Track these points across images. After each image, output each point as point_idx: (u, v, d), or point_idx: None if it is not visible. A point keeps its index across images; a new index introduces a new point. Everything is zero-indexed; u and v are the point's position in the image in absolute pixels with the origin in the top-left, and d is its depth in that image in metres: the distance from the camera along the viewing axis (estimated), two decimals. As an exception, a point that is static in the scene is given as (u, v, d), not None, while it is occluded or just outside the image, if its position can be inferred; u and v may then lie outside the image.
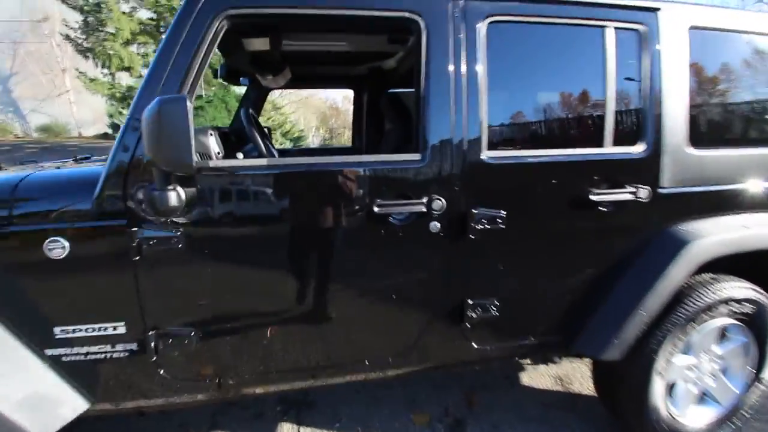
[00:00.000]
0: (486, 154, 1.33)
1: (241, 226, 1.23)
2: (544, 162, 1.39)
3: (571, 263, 1.50)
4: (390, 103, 2.28)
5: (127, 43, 15.97)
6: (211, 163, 1.18)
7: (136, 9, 15.89)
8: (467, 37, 1.29)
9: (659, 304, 1.48)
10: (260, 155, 1.41)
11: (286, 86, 2.56)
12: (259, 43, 1.64)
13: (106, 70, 16.02)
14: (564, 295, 1.52)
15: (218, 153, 1.34)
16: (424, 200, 1.28)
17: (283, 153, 2.82)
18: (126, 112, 14.82)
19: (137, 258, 1.17)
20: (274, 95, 16.30)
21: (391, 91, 2.40)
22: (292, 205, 1.25)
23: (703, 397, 1.75)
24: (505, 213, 1.34)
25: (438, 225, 1.31)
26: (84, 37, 16.27)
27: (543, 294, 1.50)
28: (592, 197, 1.41)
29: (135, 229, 1.16)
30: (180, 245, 1.18)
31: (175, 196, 1.08)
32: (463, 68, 1.30)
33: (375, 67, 2.54)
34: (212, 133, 1.36)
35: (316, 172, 1.26)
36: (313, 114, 19.59)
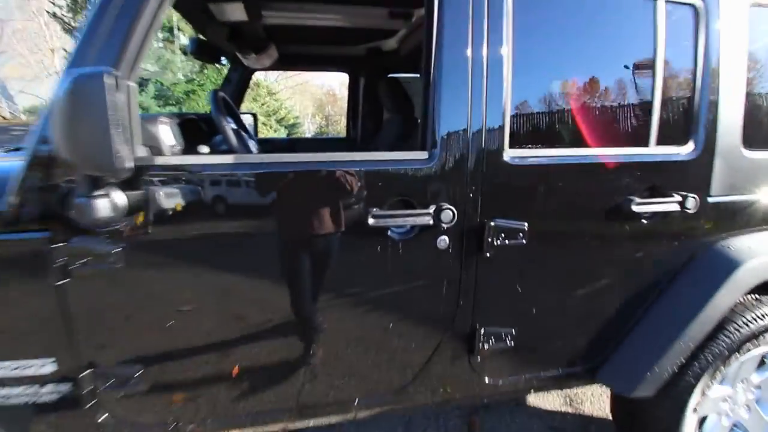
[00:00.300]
0: (508, 154, 1.08)
1: (201, 240, 0.98)
2: (577, 164, 1.14)
3: (601, 284, 1.26)
4: (389, 89, 2.01)
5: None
6: (159, 161, 0.91)
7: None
8: (490, 8, 1.03)
9: (703, 333, 1.26)
10: (230, 149, 1.16)
11: (272, 67, 2.28)
12: (234, 12, 1.37)
13: (95, 51, 15.47)
14: (592, 321, 1.29)
15: (174, 146, 1.07)
16: (431, 210, 1.03)
17: (266, 143, 2.55)
18: (115, 94, 14.33)
19: (66, 280, 0.91)
20: (270, 80, 15.86)
21: (391, 75, 2.13)
22: (265, 215, 1.00)
23: (734, 429, 1.55)
24: (527, 225, 1.09)
25: (447, 240, 1.06)
26: (71, 15, 15.73)
27: (568, 320, 1.27)
28: (634, 207, 1.17)
29: (63, 243, 0.90)
30: (120, 264, 0.92)
31: (106, 204, 0.82)
32: (484, 46, 1.03)
33: (373, 47, 2.26)
34: (165, 121, 1.08)
35: (295, 173, 1.00)
36: (309, 101, 19.14)
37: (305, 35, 2.03)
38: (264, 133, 14.62)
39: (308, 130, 18.32)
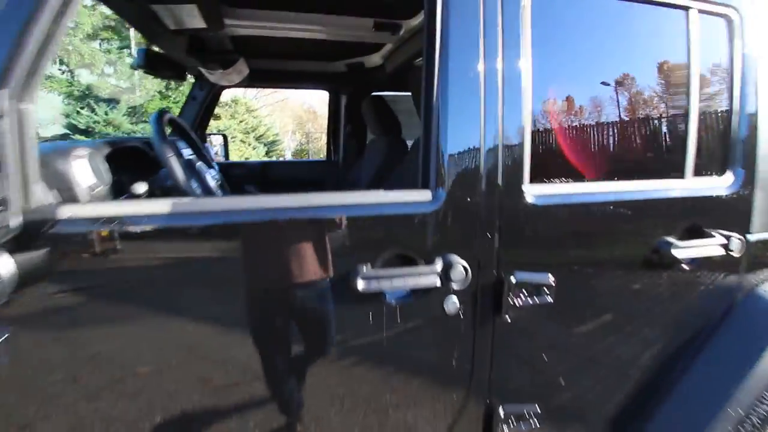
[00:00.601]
0: (529, 191, 0.87)
1: (128, 319, 0.72)
2: (611, 201, 0.94)
3: (637, 343, 1.06)
4: (374, 108, 1.81)
5: (89, 38, 15.03)
6: (64, 211, 0.66)
7: (98, 2, 14.89)
8: (505, 13, 0.83)
9: (753, 395, 1.06)
10: (175, 188, 0.90)
11: (243, 84, 2.04)
12: (189, 19, 1.14)
13: (64, 67, 15.03)
14: (625, 386, 1.08)
15: (95, 187, 0.80)
16: (438, 266, 0.80)
17: (236, 168, 2.30)
18: (85, 111, 13.75)
19: None
20: (248, 97, 15.58)
21: (375, 94, 1.93)
22: (215, 281, 0.75)
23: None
24: (554, 279, 0.88)
25: (457, 302, 0.83)
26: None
27: (599, 387, 1.05)
28: (675, 252, 0.98)
29: None
30: (5, 358, 0.65)
31: None
32: (499, 59, 0.83)
33: (355, 63, 2.06)
34: (82, 153, 0.81)
35: (255, 224, 0.75)
36: (289, 117, 18.90)
37: (279, 49, 1.82)
38: (242, 150, 14.27)
39: (288, 147, 18.05)
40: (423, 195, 0.82)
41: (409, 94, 2.15)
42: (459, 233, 0.83)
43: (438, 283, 0.79)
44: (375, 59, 1.98)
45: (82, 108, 13.61)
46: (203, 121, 2.10)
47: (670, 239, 0.99)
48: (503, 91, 0.83)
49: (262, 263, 0.76)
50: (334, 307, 0.79)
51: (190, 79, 2.01)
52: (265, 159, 12.43)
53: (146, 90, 14.21)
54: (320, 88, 2.41)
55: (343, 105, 2.34)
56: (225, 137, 2.44)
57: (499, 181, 0.84)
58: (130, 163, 1.09)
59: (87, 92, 14.72)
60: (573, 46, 0.94)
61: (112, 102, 14.01)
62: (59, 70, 15.11)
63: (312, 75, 2.21)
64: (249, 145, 14.66)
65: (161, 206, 0.70)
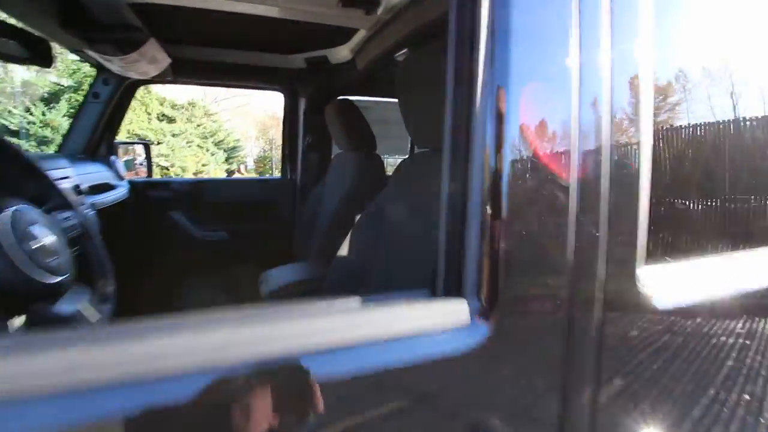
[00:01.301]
0: (648, 279, 0.44)
1: None
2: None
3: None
4: (341, 116, 1.37)
5: (25, 29, 13.73)
6: None
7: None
8: None
9: None
10: None
11: (163, 79, 1.52)
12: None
13: (-4, 60, 13.67)
14: None
15: None
16: None
17: (158, 188, 1.76)
18: (18, 111, 12.56)
19: None
20: (207, 101, 14.67)
21: (343, 98, 1.48)
22: None
23: None
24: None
25: None
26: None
27: None
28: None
29: None
30: None
31: None
32: (605, 47, 0.40)
33: (317, 58, 1.60)
34: None
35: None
36: (252, 123, 18.04)
37: (213, 32, 1.33)
38: (199, 156, 13.31)
39: (251, 153, 17.22)
40: (451, 310, 0.37)
41: (388, 100, 1.71)
42: (524, 389, 0.39)
43: None
44: (342, 53, 1.53)
45: (14, 107, 12.38)
46: (110, 125, 1.56)
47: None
48: (612, 102, 0.41)
49: None
50: None
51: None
52: (205, 177, 11.56)
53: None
54: (272, 89, 1.92)
55: (302, 110, 1.87)
56: (147, 147, 1.88)
57: (599, 267, 0.41)
58: None
59: (22, 90, 13.56)
60: (713, 32, 0.52)
61: (51, 101, 12.84)
62: (-10, 63, 13.76)
63: (261, 71, 1.72)
64: (207, 150, 13.79)
65: None
